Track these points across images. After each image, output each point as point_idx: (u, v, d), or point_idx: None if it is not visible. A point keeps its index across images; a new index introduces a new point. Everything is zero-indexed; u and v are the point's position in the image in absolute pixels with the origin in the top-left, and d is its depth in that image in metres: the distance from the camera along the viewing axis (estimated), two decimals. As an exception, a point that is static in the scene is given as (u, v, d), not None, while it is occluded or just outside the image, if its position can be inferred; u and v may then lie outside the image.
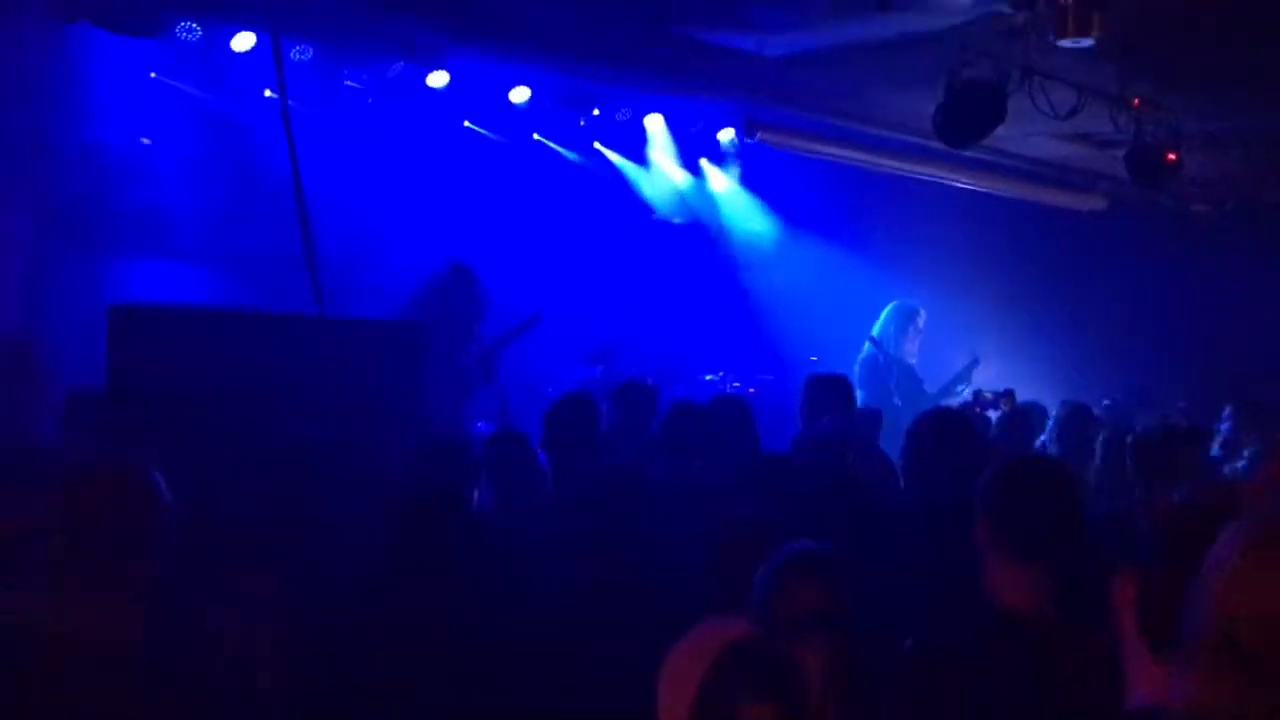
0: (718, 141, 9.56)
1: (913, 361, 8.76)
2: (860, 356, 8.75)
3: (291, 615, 3.19)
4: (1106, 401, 8.51)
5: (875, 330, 8.76)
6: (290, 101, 6.43)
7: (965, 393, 8.17)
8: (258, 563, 3.30)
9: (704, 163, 10.00)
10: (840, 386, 5.72)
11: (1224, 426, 7.06)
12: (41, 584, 2.28)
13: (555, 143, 9.23)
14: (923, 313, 8.87)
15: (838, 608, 2.61)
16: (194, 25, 6.70)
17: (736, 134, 9.29)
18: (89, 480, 2.36)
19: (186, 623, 2.79)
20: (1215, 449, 6.95)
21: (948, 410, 5.79)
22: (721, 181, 10.19)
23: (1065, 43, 4.11)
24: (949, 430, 4.45)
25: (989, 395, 7.32)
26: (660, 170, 9.85)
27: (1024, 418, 6.54)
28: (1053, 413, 6.80)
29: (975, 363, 8.69)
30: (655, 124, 9.14)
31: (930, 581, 3.42)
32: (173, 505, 2.38)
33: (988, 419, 6.93)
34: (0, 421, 4.56)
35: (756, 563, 3.06)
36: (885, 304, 8.97)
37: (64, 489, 2.34)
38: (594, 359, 8.83)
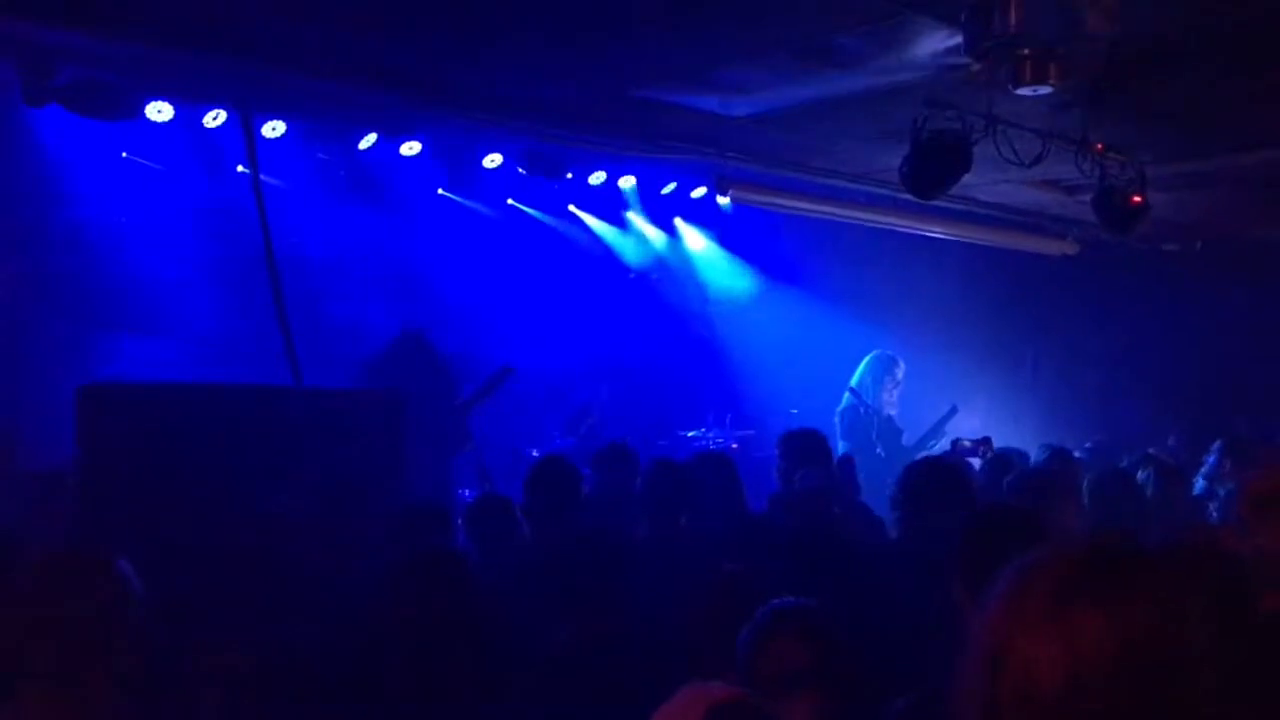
0: (691, 200, 9.63)
1: (893, 412, 8.76)
2: (840, 407, 8.75)
3: (273, 689, 3.14)
4: (1088, 444, 8.52)
5: (854, 381, 8.76)
6: (262, 176, 6.46)
7: (944, 441, 8.17)
8: (238, 638, 3.26)
9: (678, 222, 10.08)
10: (816, 440, 5.70)
11: (1210, 460, 7.07)
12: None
13: (530, 207, 9.28)
14: (901, 364, 8.87)
15: (824, 664, 2.56)
16: (164, 106, 6.72)
17: (709, 192, 9.38)
18: (53, 570, 2.28)
19: (164, 701, 2.73)
20: (1200, 485, 6.96)
21: (942, 459, 5.75)
22: (697, 240, 10.27)
23: (1024, 91, 4.16)
24: (947, 479, 4.39)
25: (967, 443, 7.33)
26: (636, 230, 9.92)
27: (1004, 464, 6.51)
28: (1033, 458, 6.81)
29: (954, 411, 8.69)
30: (628, 185, 9.21)
31: (923, 634, 3.38)
32: (142, 595, 2.30)
33: (972, 466, 6.91)
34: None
35: (741, 619, 3.04)
36: (863, 353, 8.99)
37: (28, 578, 2.26)
38: (571, 424, 8.82)
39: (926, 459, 4.92)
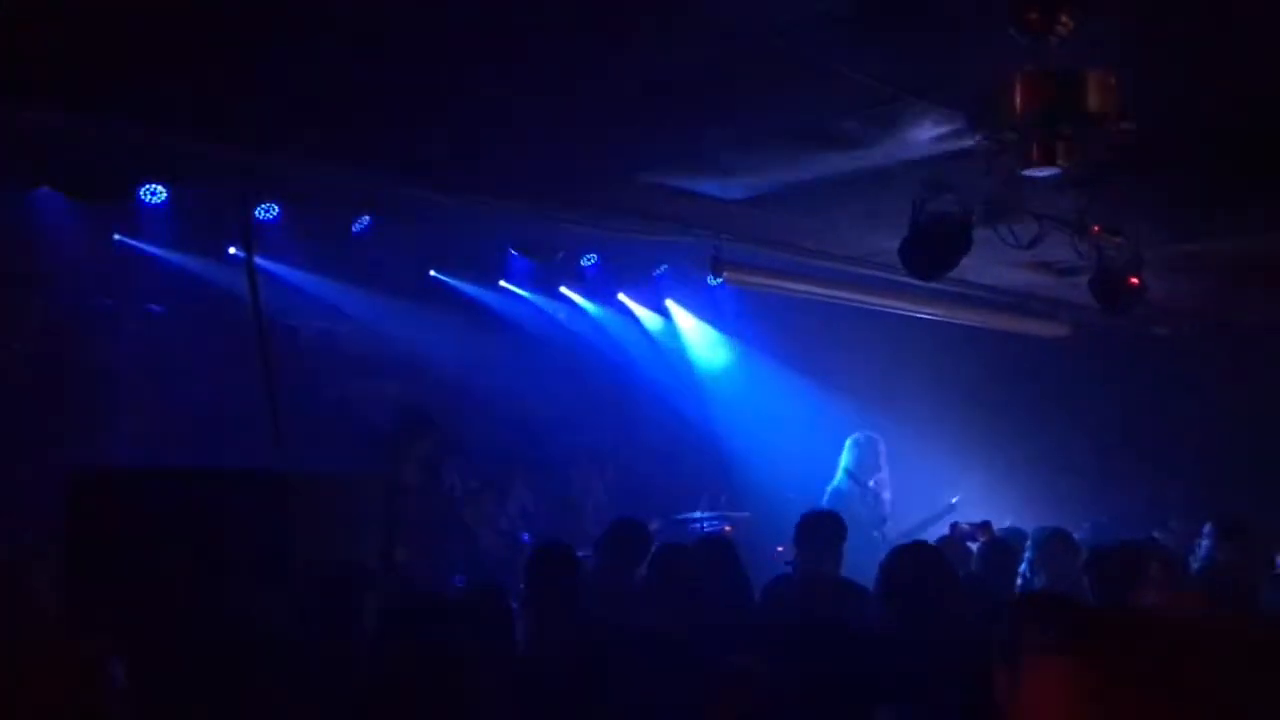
0: (683, 282, 9.62)
1: (886, 493, 8.74)
2: (830, 487, 8.72)
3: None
4: (1087, 524, 8.45)
5: (843, 463, 8.80)
6: (255, 258, 6.42)
7: (942, 525, 8.11)
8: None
9: (670, 303, 10.08)
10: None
11: (1204, 544, 7.00)
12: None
13: (521, 287, 9.25)
14: (880, 442, 8.89)
15: None
16: (158, 188, 6.69)
17: (701, 273, 9.37)
18: (42, 660, 2.22)
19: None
20: (1195, 566, 6.88)
21: (923, 546, 5.69)
22: (688, 321, 10.26)
23: (1031, 173, 4.16)
24: (926, 565, 4.42)
25: (966, 527, 7.25)
26: (626, 310, 9.92)
27: (1004, 548, 6.42)
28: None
29: (951, 507, 8.72)
30: (619, 265, 9.22)
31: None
32: (125, 691, 2.24)
33: (969, 550, 6.81)
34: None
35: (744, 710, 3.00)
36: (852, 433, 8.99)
37: (14, 665, 2.20)
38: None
39: (904, 547, 4.85)
